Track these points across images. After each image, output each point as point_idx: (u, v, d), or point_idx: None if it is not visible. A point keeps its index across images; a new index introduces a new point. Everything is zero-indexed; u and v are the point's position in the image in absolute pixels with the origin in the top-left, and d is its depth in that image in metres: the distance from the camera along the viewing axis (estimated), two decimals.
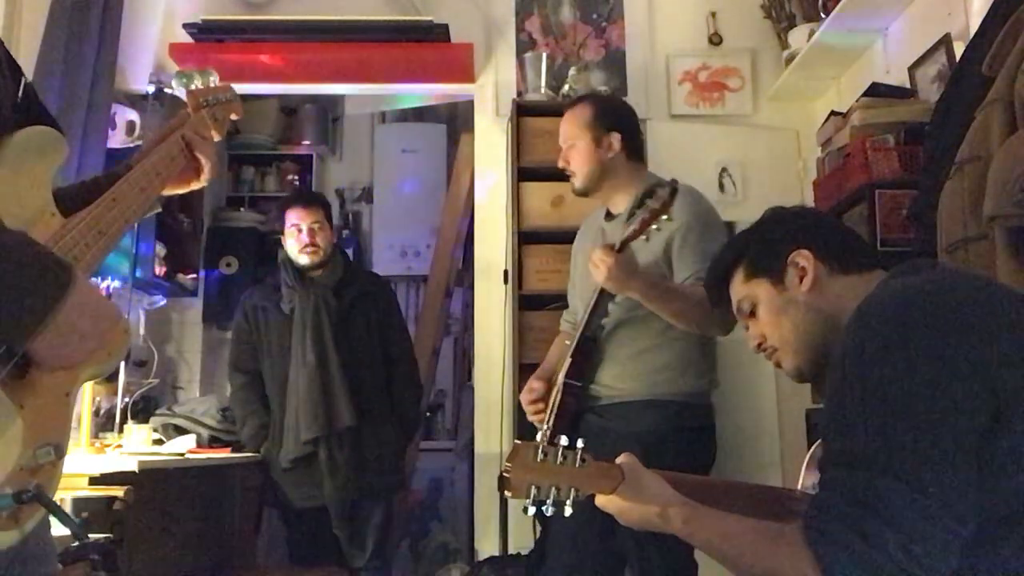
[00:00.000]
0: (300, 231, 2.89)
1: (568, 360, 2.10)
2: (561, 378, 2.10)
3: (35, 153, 1.05)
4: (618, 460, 1.16)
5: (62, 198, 1.09)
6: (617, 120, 2.23)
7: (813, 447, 1.31)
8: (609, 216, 2.27)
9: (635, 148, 2.25)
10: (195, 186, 1.36)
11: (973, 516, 0.87)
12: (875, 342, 0.93)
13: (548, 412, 2.11)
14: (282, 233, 2.97)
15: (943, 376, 0.89)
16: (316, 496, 2.84)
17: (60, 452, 0.97)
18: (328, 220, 2.97)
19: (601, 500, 1.15)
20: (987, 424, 0.88)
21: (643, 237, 1.91)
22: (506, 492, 1.14)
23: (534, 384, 2.23)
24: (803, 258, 1.17)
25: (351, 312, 2.91)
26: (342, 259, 3.04)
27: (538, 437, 2.12)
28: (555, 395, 2.12)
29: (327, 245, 2.92)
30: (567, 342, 2.24)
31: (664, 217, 1.88)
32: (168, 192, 1.34)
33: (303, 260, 2.90)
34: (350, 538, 2.93)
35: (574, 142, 2.21)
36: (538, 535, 2.59)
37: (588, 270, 2.06)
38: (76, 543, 0.99)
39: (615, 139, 2.19)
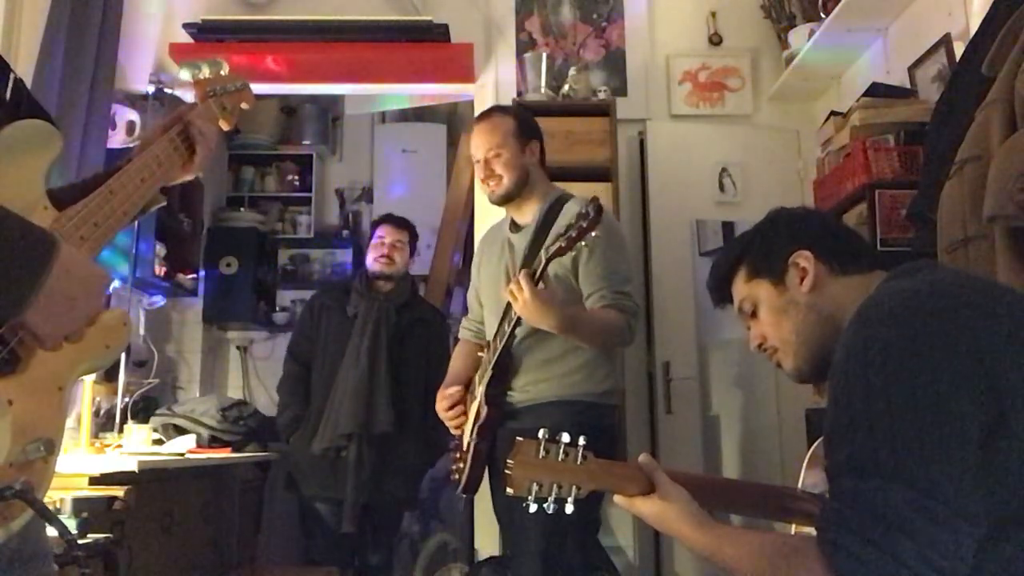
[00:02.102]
0: (383, 244, 3.19)
1: (489, 373, 2.17)
2: (482, 390, 2.17)
3: (24, 146, 1.04)
4: (640, 460, 1.16)
5: (59, 197, 1.08)
6: (535, 130, 2.33)
7: (814, 445, 1.31)
8: (515, 227, 2.33)
9: (544, 159, 2.34)
10: (184, 178, 1.33)
11: (984, 514, 0.87)
12: (876, 344, 0.93)
13: (471, 424, 2.18)
14: (368, 245, 3.28)
15: (946, 377, 0.89)
16: (336, 490, 2.98)
17: (51, 448, 0.96)
18: (411, 242, 3.26)
19: (623, 502, 1.15)
20: (990, 423, 0.88)
21: (572, 252, 1.92)
22: (508, 489, 1.14)
23: (450, 391, 2.27)
24: (804, 259, 1.17)
25: (406, 333, 3.12)
26: (410, 286, 3.28)
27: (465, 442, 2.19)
28: (477, 407, 2.18)
29: (401, 264, 3.20)
30: (480, 353, 2.30)
31: (593, 234, 1.87)
32: (173, 183, 1.31)
33: (375, 267, 3.17)
34: (357, 536, 3.05)
35: (500, 150, 2.25)
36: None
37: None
38: (78, 544, 0.98)
39: (536, 147, 2.30)
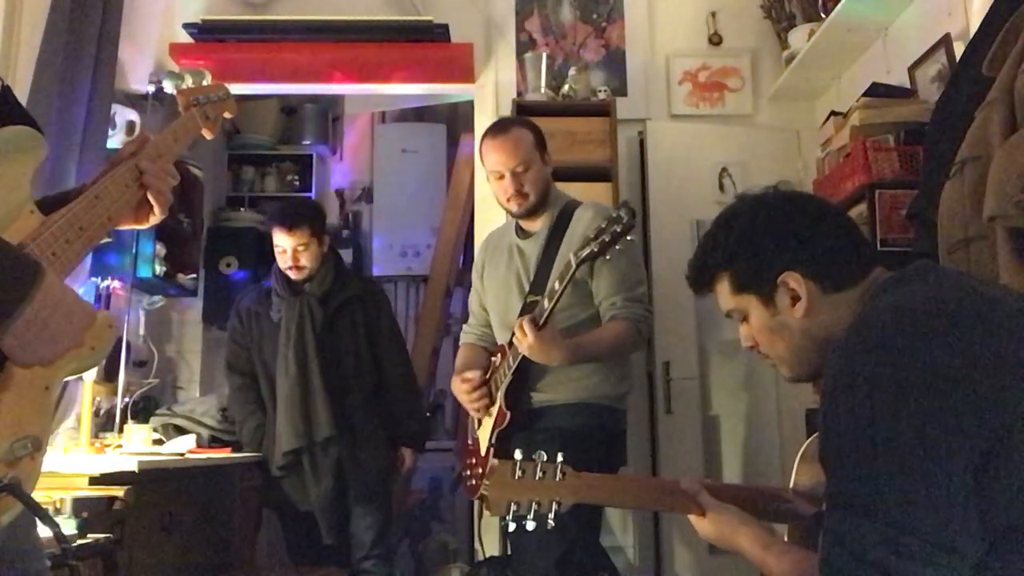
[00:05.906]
0: (284, 252, 2.91)
1: (509, 378, 2.17)
2: (502, 395, 2.19)
3: (11, 152, 1.05)
4: (682, 484, 1.24)
5: (44, 206, 1.09)
6: (544, 139, 2.36)
7: (806, 443, 1.32)
8: (522, 232, 2.36)
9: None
10: (136, 224, 1.28)
11: (974, 544, 0.86)
12: (862, 374, 0.91)
13: (491, 429, 2.20)
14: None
15: (934, 406, 0.87)
16: (305, 502, 2.91)
17: (38, 445, 0.97)
18: (315, 235, 2.92)
19: (694, 520, 1.25)
20: (988, 445, 0.85)
21: (606, 257, 1.94)
22: (486, 511, 1.20)
23: (468, 374, 2.27)
24: (794, 281, 1.11)
25: (336, 319, 2.94)
26: (333, 267, 3.01)
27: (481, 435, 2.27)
28: (497, 412, 2.20)
29: (312, 262, 2.93)
30: (493, 358, 2.31)
31: (629, 238, 1.91)
32: (125, 227, 1.28)
33: (291, 275, 2.95)
34: (342, 543, 2.94)
35: (528, 165, 2.27)
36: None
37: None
38: (72, 545, 0.99)
39: (548, 156, 2.35)
